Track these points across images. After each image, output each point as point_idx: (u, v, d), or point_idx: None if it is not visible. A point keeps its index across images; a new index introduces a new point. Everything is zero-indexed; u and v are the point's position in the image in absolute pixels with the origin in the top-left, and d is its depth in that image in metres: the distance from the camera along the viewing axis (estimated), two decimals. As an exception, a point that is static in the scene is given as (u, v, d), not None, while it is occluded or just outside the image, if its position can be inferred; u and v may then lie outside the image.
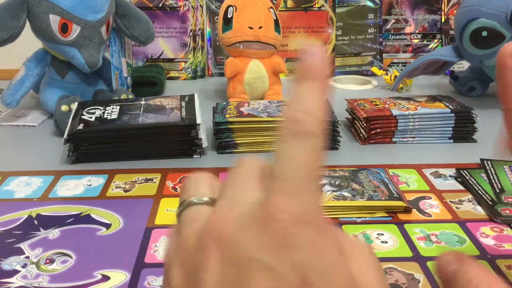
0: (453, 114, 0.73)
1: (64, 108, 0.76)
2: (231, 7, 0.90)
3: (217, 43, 1.13)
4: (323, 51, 0.23)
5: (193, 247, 0.23)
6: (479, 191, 0.59)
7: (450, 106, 0.74)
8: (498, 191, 0.58)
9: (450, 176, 0.64)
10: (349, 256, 0.21)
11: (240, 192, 0.23)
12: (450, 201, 0.58)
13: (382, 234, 0.51)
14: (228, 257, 0.20)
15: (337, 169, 0.63)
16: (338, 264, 0.20)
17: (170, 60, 1.14)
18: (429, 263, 0.46)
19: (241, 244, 0.20)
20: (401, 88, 1.02)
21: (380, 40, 1.17)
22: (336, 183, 0.58)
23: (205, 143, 0.69)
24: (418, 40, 1.19)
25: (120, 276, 0.45)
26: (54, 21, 0.78)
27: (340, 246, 0.20)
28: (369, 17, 1.16)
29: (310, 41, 0.23)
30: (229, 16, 0.90)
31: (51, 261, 0.47)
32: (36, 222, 0.54)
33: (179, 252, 0.23)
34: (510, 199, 0.56)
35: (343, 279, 0.19)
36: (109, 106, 0.74)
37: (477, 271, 0.23)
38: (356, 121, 0.78)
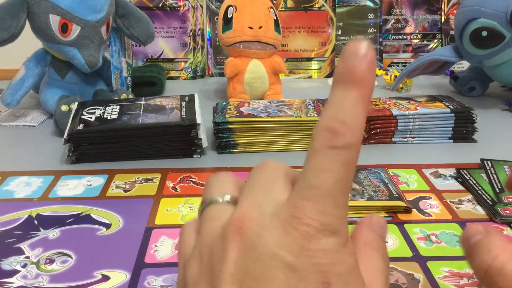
0: (453, 114, 0.73)
1: (64, 108, 0.76)
2: (231, 7, 0.90)
3: (217, 43, 1.13)
4: (372, 53, 0.20)
5: (214, 241, 0.23)
6: (479, 191, 0.59)
7: (450, 106, 0.74)
8: (498, 191, 0.58)
9: (450, 176, 0.64)
10: (362, 262, 0.22)
11: (266, 192, 0.23)
12: (450, 201, 0.58)
13: (382, 234, 0.51)
14: (249, 251, 0.21)
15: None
16: (355, 271, 0.21)
17: (170, 60, 1.14)
18: (429, 263, 0.46)
19: (264, 239, 0.20)
20: (401, 88, 1.02)
21: (380, 40, 1.17)
22: (336, 183, 0.58)
23: (205, 143, 0.69)
24: (418, 40, 1.19)
25: (120, 276, 0.45)
26: (54, 21, 0.78)
27: (356, 254, 0.22)
28: (369, 17, 1.16)
29: (359, 40, 0.20)
30: (229, 16, 0.90)
31: (51, 261, 0.47)
32: (36, 222, 0.54)
33: (198, 246, 0.24)
34: (510, 199, 0.56)
35: (358, 285, 0.21)
36: (109, 106, 0.74)
37: (498, 241, 0.23)
38: (356, 121, 0.78)
